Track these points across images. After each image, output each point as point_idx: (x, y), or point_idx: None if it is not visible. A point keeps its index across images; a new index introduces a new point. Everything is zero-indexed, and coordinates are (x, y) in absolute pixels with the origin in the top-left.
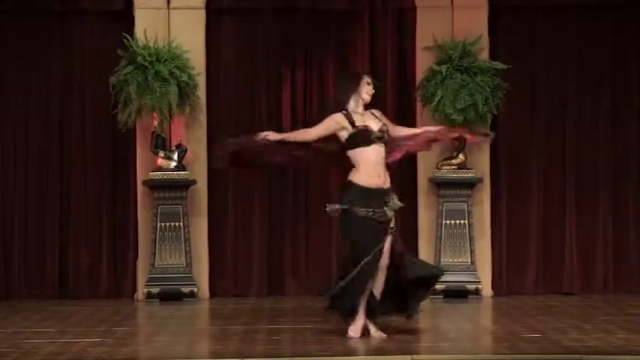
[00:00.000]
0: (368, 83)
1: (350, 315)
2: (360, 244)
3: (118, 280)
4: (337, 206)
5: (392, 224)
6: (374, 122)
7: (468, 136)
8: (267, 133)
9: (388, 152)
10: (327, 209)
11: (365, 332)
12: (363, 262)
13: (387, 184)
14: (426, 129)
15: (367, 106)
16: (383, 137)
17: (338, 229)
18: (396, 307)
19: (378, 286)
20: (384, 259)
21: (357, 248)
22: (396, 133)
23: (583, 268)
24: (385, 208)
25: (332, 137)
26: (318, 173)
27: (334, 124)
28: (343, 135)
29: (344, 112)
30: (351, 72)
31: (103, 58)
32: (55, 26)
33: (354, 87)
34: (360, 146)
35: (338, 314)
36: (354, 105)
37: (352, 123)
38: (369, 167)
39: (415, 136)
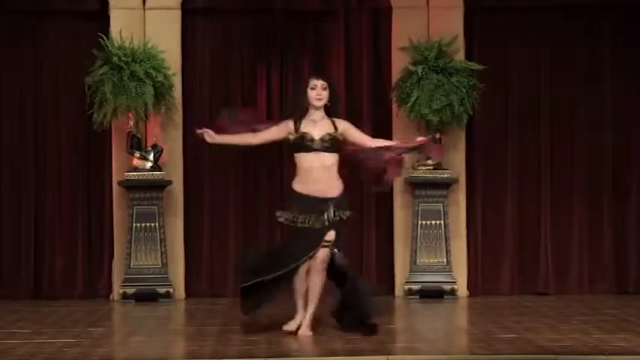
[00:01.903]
0: (312, 89)
1: (250, 310)
2: (285, 250)
3: (94, 280)
4: (278, 214)
5: (328, 237)
6: (319, 130)
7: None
8: (207, 132)
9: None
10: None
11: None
12: (277, 270)
13: (329, 194)
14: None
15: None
16: (321, 146)
17: None
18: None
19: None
20: (314, 269)
21: (281, 252)
22: (364, 144)
23: (558, 269)
24: (314, 218)
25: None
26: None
27: (284, 128)
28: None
29: (295, 117)
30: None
31: (78, 59)
32: (29, 26)
33: (302, 95)
34: (299, 152)
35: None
36: (309, 112)
37: (297, 129)
38: (306, 174)
39: (385, 148)
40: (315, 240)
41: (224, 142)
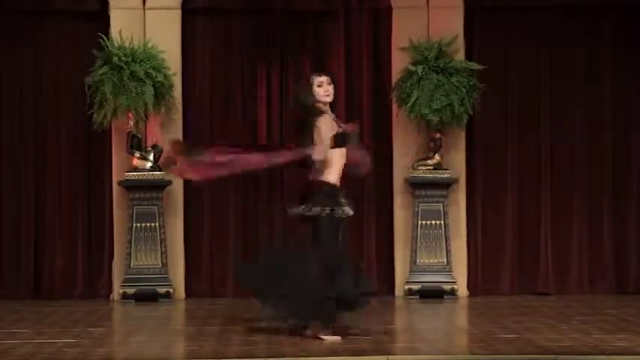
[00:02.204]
0: (319, 86)
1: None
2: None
3: (94, 280)
4: (318, 208)
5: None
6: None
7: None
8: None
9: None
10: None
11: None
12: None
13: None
14: None
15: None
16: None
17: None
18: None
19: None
20: None
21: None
22: None
23: (558, 269)
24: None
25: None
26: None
27: (330, 127)
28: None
29: (325, 115)
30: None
31: (78, 59)
32: (29, 26)
33: (309, 95)
34: (342, 147)
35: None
36: (321, 109)
37: (337, 124)
38: (341, 168)
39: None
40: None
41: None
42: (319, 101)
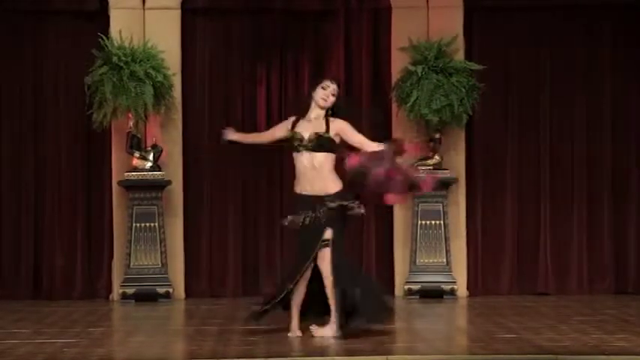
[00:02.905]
0: (323, 88)
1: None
2: (293, 260)
3: (93, 280)
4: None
5: (326, 235)
6: (309, 130)
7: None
8: (229, 131)
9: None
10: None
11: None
12: (288, 285)
13: (324, 192)
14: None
15: (333, 115)
16: (307, 146)
17: None
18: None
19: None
20: (321, 270)
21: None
22: (356, 143)
23: (557, 269)
24: (311, 217)
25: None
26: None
27: (284, 126)
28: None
29: (296, 116)
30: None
31: (78, 59)
32: (29, 26)
33: (311, 92)
34: (293, 152)
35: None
36: (310, 110)
37: (292, 128)
38: (300, 174)
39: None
40: (314, 241)
41: (240, 140)
42: (315, 103)
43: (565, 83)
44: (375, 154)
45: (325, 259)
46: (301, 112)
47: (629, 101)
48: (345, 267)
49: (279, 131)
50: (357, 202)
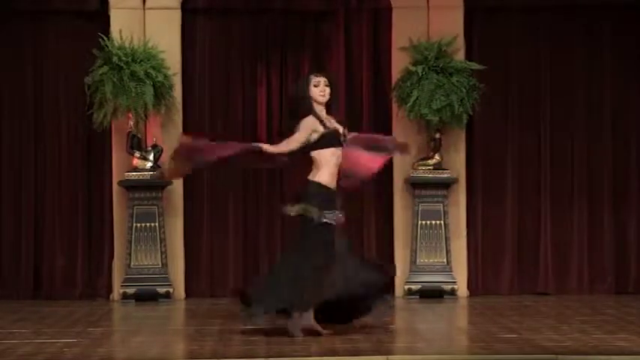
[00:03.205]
0: (316, 85)
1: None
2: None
3: (94, 280)
4: (300, 207)
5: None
6: (337, 126)
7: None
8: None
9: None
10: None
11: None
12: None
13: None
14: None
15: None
16: (345, 140)
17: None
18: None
19: None
20: None
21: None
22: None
23: (558, 269)
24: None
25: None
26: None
27: (310, 126)
28: (313, 137)
29: (313, 115)
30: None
31: (78, 59)
32: (29, 26)
33: (306, 94)
34: (329, 147)
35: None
36: (316, 109)
37: (324, 125)
38: (332, 169)
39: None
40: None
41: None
42: (315, 101)
43: (565, 83)
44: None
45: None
46: (307, 112)
47: (629, 101)
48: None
49: (306, 134)
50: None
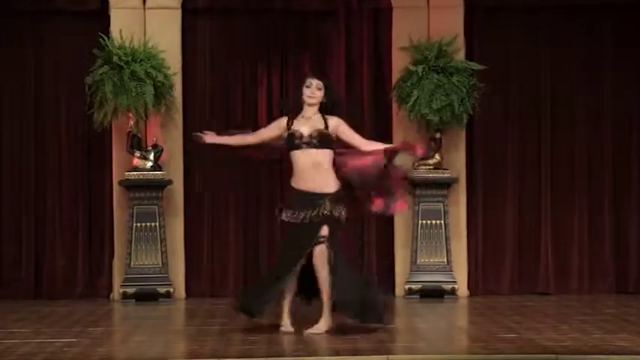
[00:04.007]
0: (307, 87)
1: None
2: (283, 254)
3: (94, 280)
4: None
5: (322, 232)
6: (309, 127)
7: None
8: (206, 133)
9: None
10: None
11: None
12: (280, 282)
13: (325, 190)
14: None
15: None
16: (310, 142)
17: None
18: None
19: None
20: (316, 266)
21: (280, 257)
22: (357, 145)
23: (558, 269)
24: (310, 213)
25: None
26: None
27: (277, 125)
28: (284, 136)
29: (290, 115)
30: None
31: (79, 58)
32: (29, 26)
33: (299, 92)
34: (291, 150)
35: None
36: (303, 109)
37: (289, 127)
38: (300, 172)
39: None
40: (308, 237)
41: (223, 142)
42: (304, 101)
43: (565, 83)
44: (372, 163)
45: (321, 256)
46: (293, 111)
47: (629, 101)
48: (340, 264)
49: (270, 131)
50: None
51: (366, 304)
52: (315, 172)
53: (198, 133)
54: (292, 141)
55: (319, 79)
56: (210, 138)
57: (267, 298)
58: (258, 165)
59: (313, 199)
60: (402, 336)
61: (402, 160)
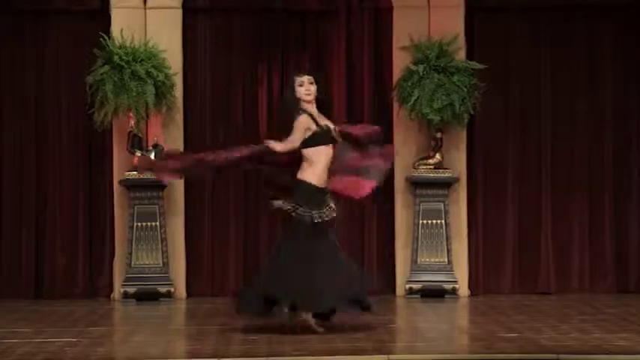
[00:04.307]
0: (301, 85)
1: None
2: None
3: (94, 279)
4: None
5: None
6: (327, 122)
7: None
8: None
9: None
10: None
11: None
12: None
13: (327, 186)
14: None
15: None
16: (336, 137)
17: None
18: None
19: None
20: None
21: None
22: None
23: (559, 268)
24: (326, 210)
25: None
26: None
27: (304, 125)
28: (307, 134)
29: (304, 113)
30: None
31: (79, 58)
32: (29, 26)
33: (293, 96)
34: (321, 145)
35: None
36: (304, 108)
37: (317, 123)
38: (323, 167)
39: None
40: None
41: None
42: (303, 100)
43: (566, 83)
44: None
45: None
46: (297, 111)
47: (630, 101)
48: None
49: (303, 134)
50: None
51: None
52: (327, 167)
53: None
54: (328, 136)
55: (308, 74)
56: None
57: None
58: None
59: (326, 195)
60: (402, 335)
61: (377, 175)
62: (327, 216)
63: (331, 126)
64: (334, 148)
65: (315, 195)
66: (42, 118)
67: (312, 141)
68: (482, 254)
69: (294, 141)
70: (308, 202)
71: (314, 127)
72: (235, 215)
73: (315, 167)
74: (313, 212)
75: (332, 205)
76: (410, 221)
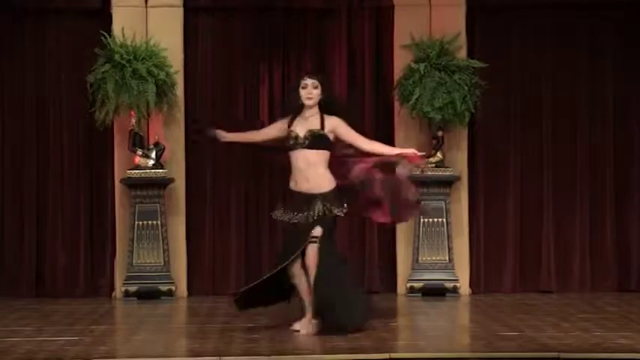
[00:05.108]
0: (303, 87)
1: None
2: (281, 249)
3: (96, 278)
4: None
5: (314, 233)
6: (305, 127)
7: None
8: (220, 133)
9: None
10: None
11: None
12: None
13: (317, 190)
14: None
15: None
16: (303, 143)
17: None
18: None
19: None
20: (308, 266)
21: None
22: (359, 145)
23: (560, 267)
24: (303, 214)
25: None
26: None
27: (280, 125)
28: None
29: (292, 115)
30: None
31: (80, 57)
32: (30, 24)
33: (296, 94)
34: (289, 150)
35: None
36: (305, 109)
37: (289, 127)
38: (295, 172)
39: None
40: (302, 237)
41: (233, 140)
42: (304, 103)
43: (567, 82)
44: (388, 176)
45: (313, 256)
46: (295, 110)
47: (631, 100)
48: (330, 267)
49: (275, 130)
50: (343, 208)
51: (340, 311)
52: (309, 172)
53: (216, 131)
54: (289, 142)
55: (314, 77)
56: (222, 135)
57: (259, 298)
58: (269, 165)
59: (308, 199)
60: (404, 334)
61: (401, 170)
62: (300, 220)
63: (302, 132)
64: (323, 154)
65: (291, 198)
66: (43, 117)
67: (285, 144)
68: (483, 253)
69: (262, 132)
70: (285, 204)
71: (284, 129)
72: (236, 213)
73: (292, 172)
74: (280, 212)
75: (315, 211)
76: (411, 220)
